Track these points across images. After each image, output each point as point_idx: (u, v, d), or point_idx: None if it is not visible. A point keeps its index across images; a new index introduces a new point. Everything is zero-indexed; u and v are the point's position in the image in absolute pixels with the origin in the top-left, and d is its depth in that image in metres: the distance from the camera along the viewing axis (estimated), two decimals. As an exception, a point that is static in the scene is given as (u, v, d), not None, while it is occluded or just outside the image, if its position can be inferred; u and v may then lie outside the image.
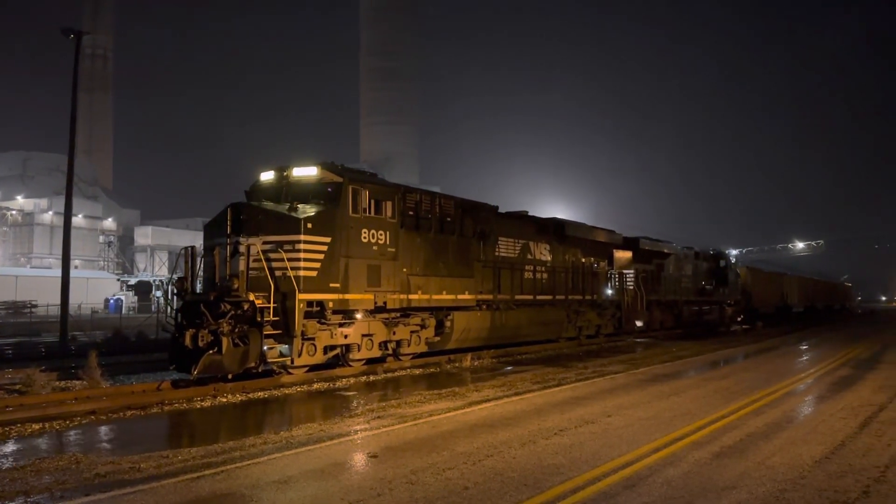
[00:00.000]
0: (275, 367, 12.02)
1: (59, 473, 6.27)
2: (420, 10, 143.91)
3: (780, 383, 12.59)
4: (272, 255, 11.55)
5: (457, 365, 15.13)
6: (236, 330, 11.07)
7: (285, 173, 12.99)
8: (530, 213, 20.95)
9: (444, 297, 15.20)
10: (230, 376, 11.39)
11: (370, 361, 13.79)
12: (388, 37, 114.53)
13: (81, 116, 53.12)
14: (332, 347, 12.86)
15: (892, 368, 15.18)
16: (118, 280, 58.53)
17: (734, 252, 79.10)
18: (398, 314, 14.15)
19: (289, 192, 12.69)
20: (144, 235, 71.63)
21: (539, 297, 19.22)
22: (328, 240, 12.14)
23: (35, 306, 40.44)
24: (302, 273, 11.64)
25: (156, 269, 67.34)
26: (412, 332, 14.67)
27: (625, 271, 24.43)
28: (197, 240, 13.23)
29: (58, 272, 25.65)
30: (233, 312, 11.15)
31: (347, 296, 12.54)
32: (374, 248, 13.20)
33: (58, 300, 20.58)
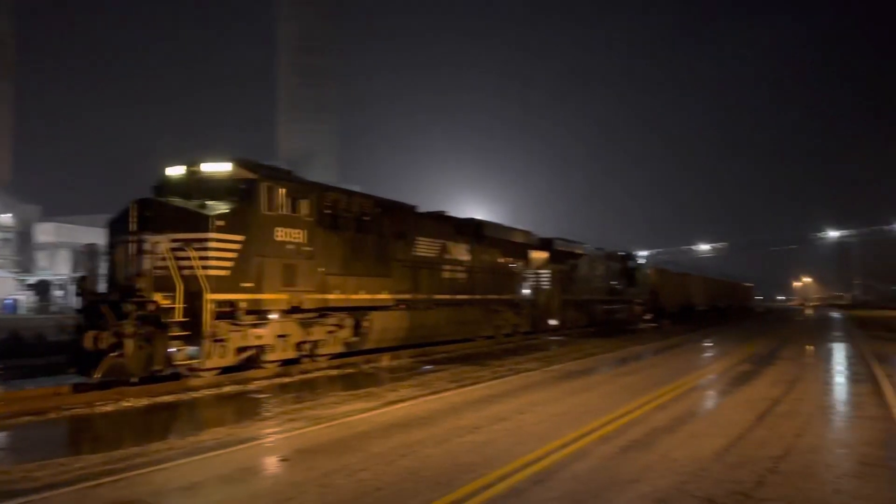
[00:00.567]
0: (183, 370, 11.60)
1: (-61, 487, 5.84)
2: (342, 7, 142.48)
3: (684, 378, 13.13)
4: (180, 254, 11.16)
5: (374, 365, 15.08)
6: (141, 331, 10.62)
7: (195, 168, 12.57)
8: (449, 214, 21.08)
9: (363, 296, 15.11)
10: (135, 380, 10.91)
11: (286, 363, 13.54)
12: (307, 32, 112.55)
13: (-25, 104, 49.61)
14: (246, 349, 12.53)
15: (787, 364, 16.10)
16: (16, 279, 55.23)
17: (644, 253, 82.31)
18: (315, 314, 13.96)
19: (199, 188, 12.28)
20: (46, 232, 67.72)
21: (457, 297, 19.41)
22: (241, 238, 11.86)
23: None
24: (212, 272, 11.31)
25: (58, 268, 63.78)
26: (329, 332, 14.48)
27: (541, 271, 25.03)
28: (103, 237, 12.61)
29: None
30: (137, 313, 10.70)
31: (261, 296, 12.28)
32: (290, 247, 12.98)
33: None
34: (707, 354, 19.42)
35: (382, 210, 16.20)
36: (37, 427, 8.58)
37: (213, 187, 12.22)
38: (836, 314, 59.26)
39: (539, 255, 25.00)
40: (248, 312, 12.15)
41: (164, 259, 11.08)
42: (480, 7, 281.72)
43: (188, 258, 11.12)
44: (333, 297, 14.15)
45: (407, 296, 16.89)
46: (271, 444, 7.46)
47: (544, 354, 18.30)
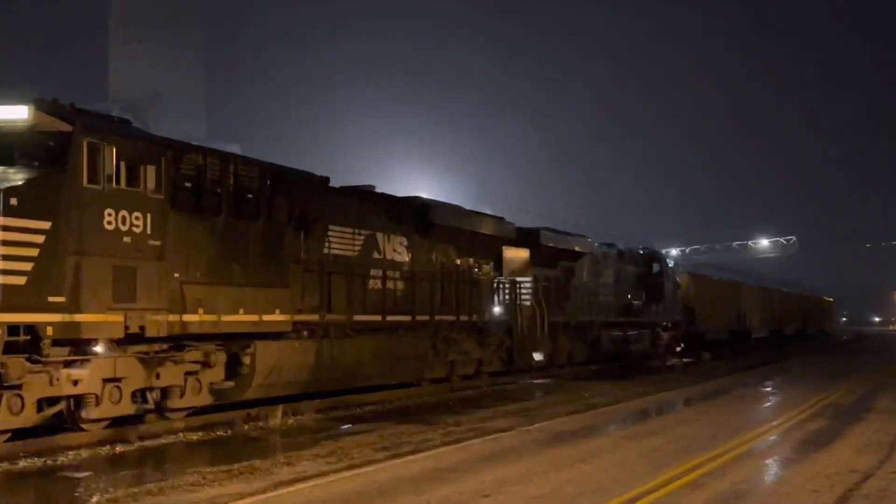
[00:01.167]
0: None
1: None
2: None
3: (730, 441, 13.21)
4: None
5: (261, 424, 14.93)
6: None
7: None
8: (380, 192, 20.90)
9: (242, 318, 14.87)
10: None
11: (118, 421, 13.27)
12: None
13: None
14: (54, 401, 12.21)
15: (883, 419, 16.36)
16: None
17: (674, 252, 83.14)
18: (165, 346, 13.73)
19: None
20: None
21: (391, 319, 19.16)
22: (46, 226, 11.57)
23: None
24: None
25: None
26: (188, 373, 14.25)
27: (519, 279, 24.85)
28: None
29: None
30: None
31: (79, 316, 12.00)
32: (126, 239, 12.76)
33: None
34: (765, 405, 19.65)
35: (274, 183, 15.96)
36: None
37: (1, 144, 11.81)
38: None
39: (517, 255, 24.83)
40: (57, 343, 11.89)
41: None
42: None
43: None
44: (196, 318, 13.92)
45: (313, 317, 16.68)
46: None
47: (523, 406, 18.24)
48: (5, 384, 11.30)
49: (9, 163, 11.78)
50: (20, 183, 11.43)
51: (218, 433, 13.96)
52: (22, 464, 11.19)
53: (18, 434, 12.01)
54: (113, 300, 12.50)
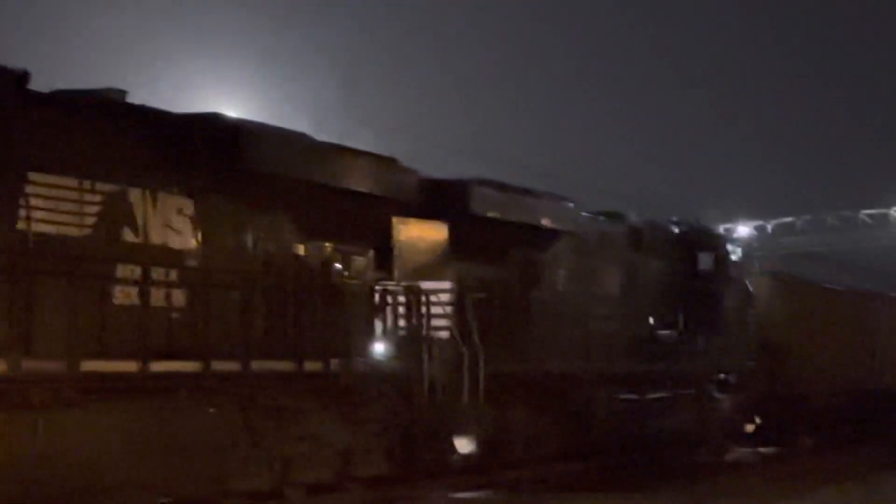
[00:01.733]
0: None
1: None
2: None
3: None
4: None
5: None
6: None
7: None
8: (138, 103, 13.83)
9: None
10: None
11: None
12: None
13: None
14: None
15: None
16: None
17: (743, 232, 53.57)
18: None
19: None
20: None
21: (159, 369, 12.96)
22: None
23: None
24: None
25: None
26: None
27: (428, 285, 15.97)
28: None
29: None
30: None
31: None
32: None
33: None
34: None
35: None
36: None
37: None
38: None
39: (423, 235, 16.13)
40: None
41: None
42: None
43: None
44: None
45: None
46: None
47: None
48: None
49: None
50: None
51: None
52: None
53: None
54: None
